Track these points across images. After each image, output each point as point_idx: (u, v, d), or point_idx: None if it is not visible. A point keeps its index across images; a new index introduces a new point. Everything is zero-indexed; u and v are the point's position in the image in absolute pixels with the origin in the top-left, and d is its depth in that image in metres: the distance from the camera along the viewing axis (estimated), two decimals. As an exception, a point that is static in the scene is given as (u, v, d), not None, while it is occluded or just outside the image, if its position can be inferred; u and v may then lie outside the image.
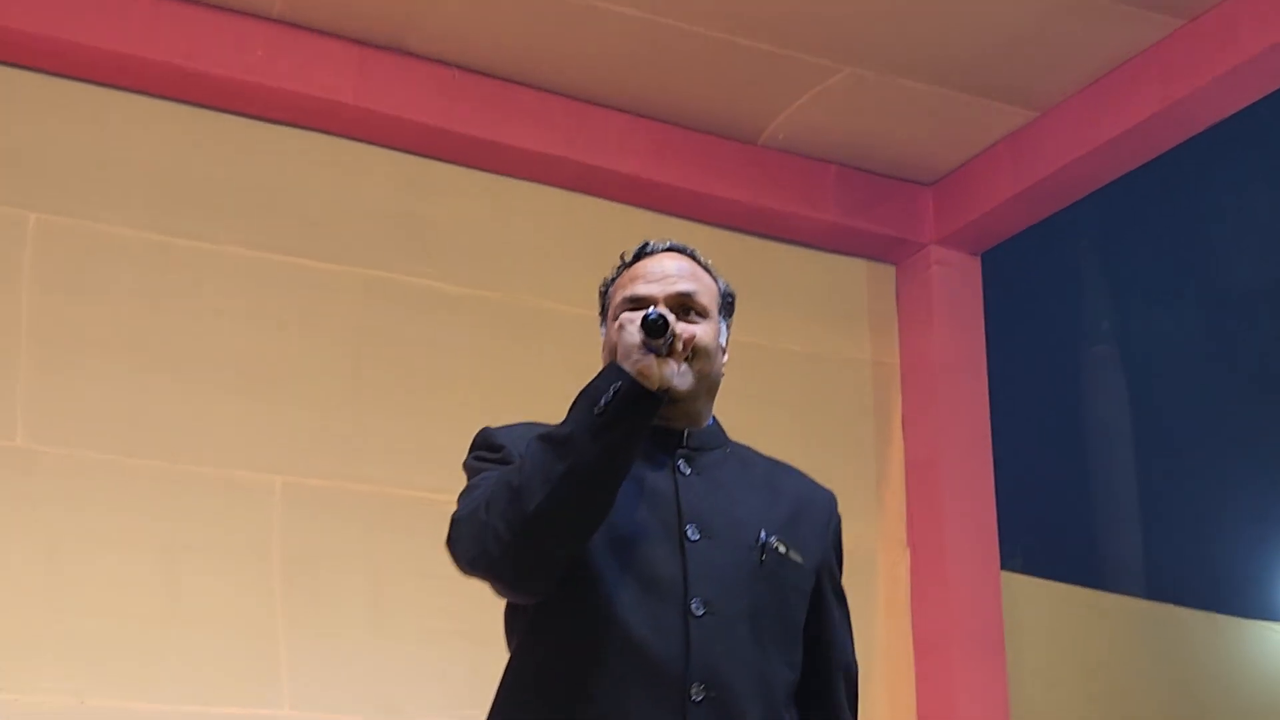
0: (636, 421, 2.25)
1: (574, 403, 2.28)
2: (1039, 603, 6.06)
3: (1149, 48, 5.03)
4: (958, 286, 5.80)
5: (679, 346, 2.33)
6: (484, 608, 4.84)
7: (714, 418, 2.58)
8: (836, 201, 5.70)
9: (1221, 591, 7.59)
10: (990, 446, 5.70)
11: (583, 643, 2.29)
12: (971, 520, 5.61)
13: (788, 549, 2.46)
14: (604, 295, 2.55)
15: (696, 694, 2.28)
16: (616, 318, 2.42)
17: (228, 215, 4.89)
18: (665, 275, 2.47)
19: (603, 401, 2.23)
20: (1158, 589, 7.64)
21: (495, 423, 5.01)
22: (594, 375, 2.34)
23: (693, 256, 2.57)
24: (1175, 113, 5.02)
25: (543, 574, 2.26)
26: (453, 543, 2.31)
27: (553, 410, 5.09)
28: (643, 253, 2.53)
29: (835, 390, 5.75)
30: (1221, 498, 8.84)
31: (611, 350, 2.39)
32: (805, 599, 2.51)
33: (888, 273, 5.93)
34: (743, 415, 5.43)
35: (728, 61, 5.14)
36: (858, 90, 5.28)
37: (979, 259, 5.88)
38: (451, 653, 4.82)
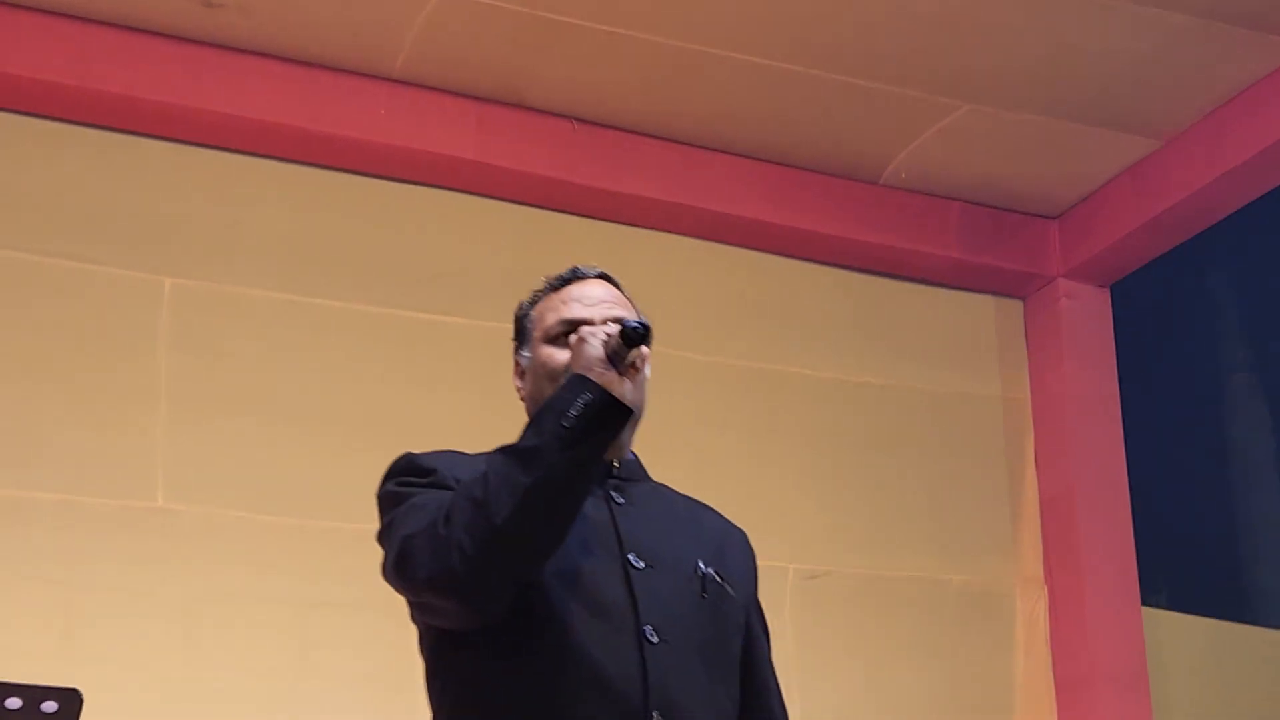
0: (605, 435, 2.18)
1: (537, 415, 2.21)
2: (1185, 639, 5.95)
3: (1273, 72, 4.95)
4: (1087, 319, 5.73)
5: (638, 364, 2.25)
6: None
7: (633, 452, 2.53)
8: (960, 238, 5.67)
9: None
10: (1126, 480, 5.61)
11: (542, 671, 2.21)
12: (1110, 556, 5.52)
13: (723, 581, 2.41)
14: (523, 318, 2.50)
15: None
16: (547, 340, 2.40)
17: (354, 273, 4.97)
18: (599, 300, 2.44)
19: (572, 413, 2.15)
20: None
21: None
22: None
23: (618, 286, 2.52)
24: (1303, 136, 4.94)
25: (504, 591, 2.16)
26: (403, 561, 2.16)
27: (677, 451, 5.12)
28: (573, 277, 2.49)
29: (966, 429, 5.70)
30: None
31: (546, 372, 2.38)
32: (740, 632, 2.45)
33: (1015, 308, 5.88)
34: (873, 457, 5.47)
35: (846, 102, 5.14)
36: (978, 126, 5.25)
37: (1108, 290, 5.81)
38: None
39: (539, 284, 2.55)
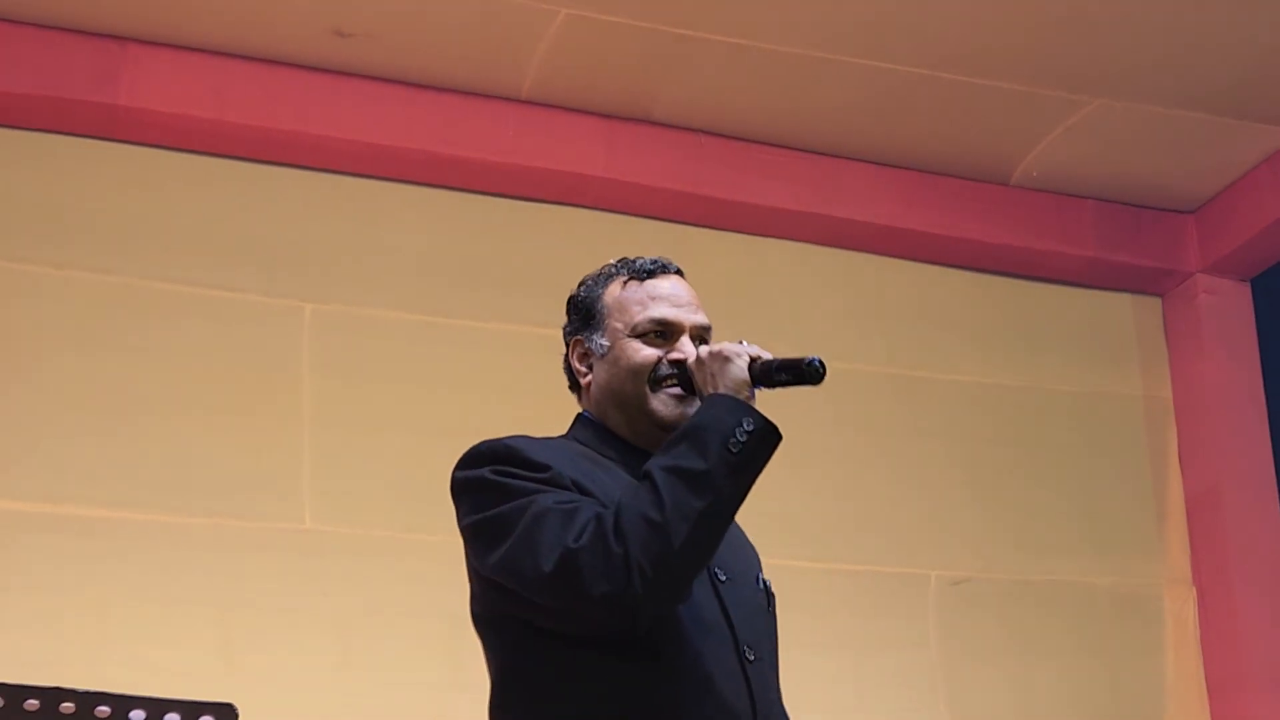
0: (763, 460, 2.18)
1: (694, 434, 2.17)
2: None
3: None
4: (1228, 314, 5.64)
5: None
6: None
7: None
8: (1095, 236, 5.61)
9: None
10: (1274, 476, 5.51)
11: (660, 680, 2.16)
12: (1259, 554, 5.42)
13: (770, 593, 2.43)
14: (592, 302, 2.45)
15: None
16: (635, 334, 2.37)
17: (489, 292, 5.03)
18: (688, 302, 2.43)
19: (738, 439, 2.15)
20: None
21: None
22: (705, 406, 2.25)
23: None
24: None
25: (667, 610, 2.14)
26: (571, 574, 2.08)
27: (813, 457, 5.09)
28: (656, 270, 2.46)
29: (1107, 429, 5.63)
30: None
31: (632, 366, 2.34)
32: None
33: (1154, 305, 5.81)
34: (1014, 459, 5.42)
35: (972, 104, 5.11)
36: (1108, 121, 5.20)
37: (1249, 285, 5.70)
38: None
39: (608, 264, 2.52)
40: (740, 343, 2.30)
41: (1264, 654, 5.32)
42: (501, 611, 2.23)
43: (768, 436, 2.18)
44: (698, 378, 2.29)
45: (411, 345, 4.91)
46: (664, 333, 2.38)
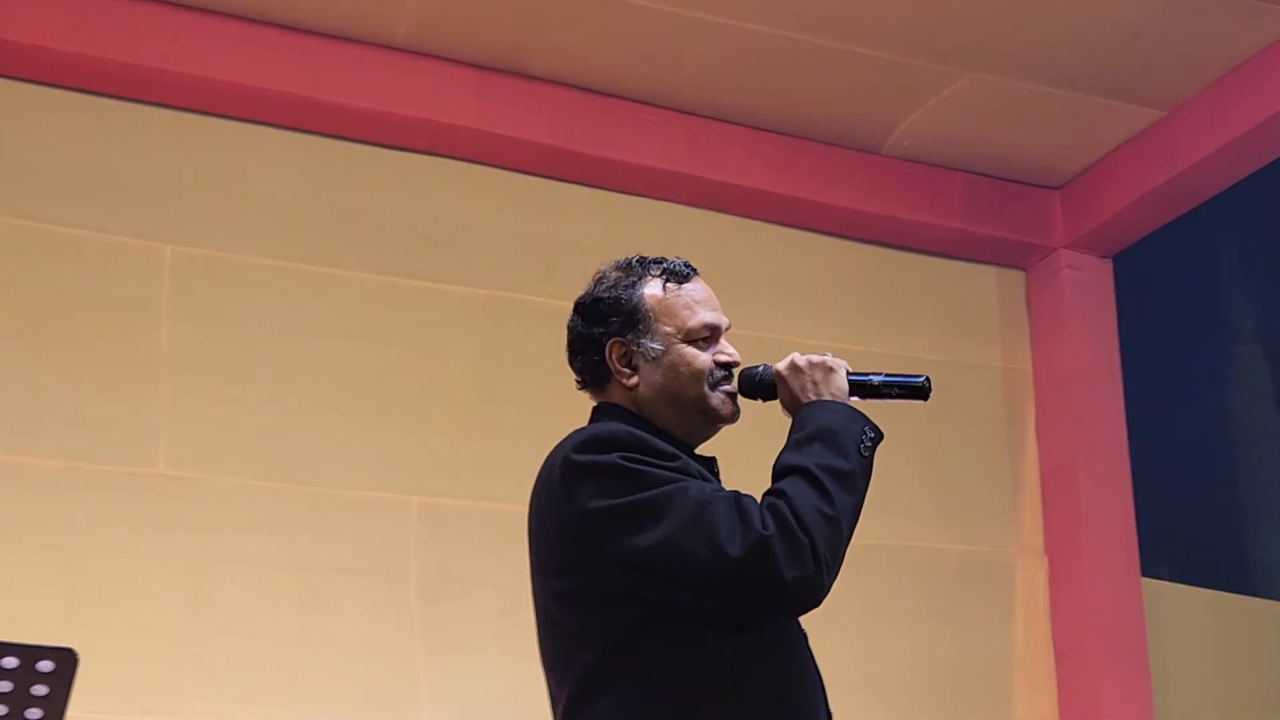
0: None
1: (827, 437, 2.35)
2: (1184, 609, 5.96)
3: (1275, 41, 4.94)
4: (1089, 290, 5.73)
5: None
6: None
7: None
8: (963, 208, 5.66)
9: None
10: (1127, 451, 5.62)
11: (781, 661, 2.35)
12: (1110, 527, 5.53)
13: None
14: (634, 304, 2.53)
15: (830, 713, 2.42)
16: (688, 340, 2.50)
17: (355, 241, 4.98)
18: (718, 304, 2.58)
19: (867, 443, 2.37)
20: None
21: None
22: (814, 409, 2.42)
23: None
24: (1305, 107, 4.93)
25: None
26: (767, 560, 2.21)
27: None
28: (690, 273, 2.59)
29: (967, 399, 5.70)
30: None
31: (691, 371, 2.48)
32: None
33: (1017, 279, 5.88)
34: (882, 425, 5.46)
35: (848, 71, 5.13)
36: (981, 95, 5.24)
37: (1110, 261, 5.80)
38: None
39: (632, 265, 2.60)
40: (825, 355, 2.50)
41: (1110, 624, 5.43)
42: (628, 593, 2.28)
43: (880, 441, 2.40)
44: (792, 383, 2.47)
45: (274, 292, 4.85)
46: (710, 336, 2.54)
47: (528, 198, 5.23)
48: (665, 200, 5.39)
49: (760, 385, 2.54)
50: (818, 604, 2.27)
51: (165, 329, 4.70)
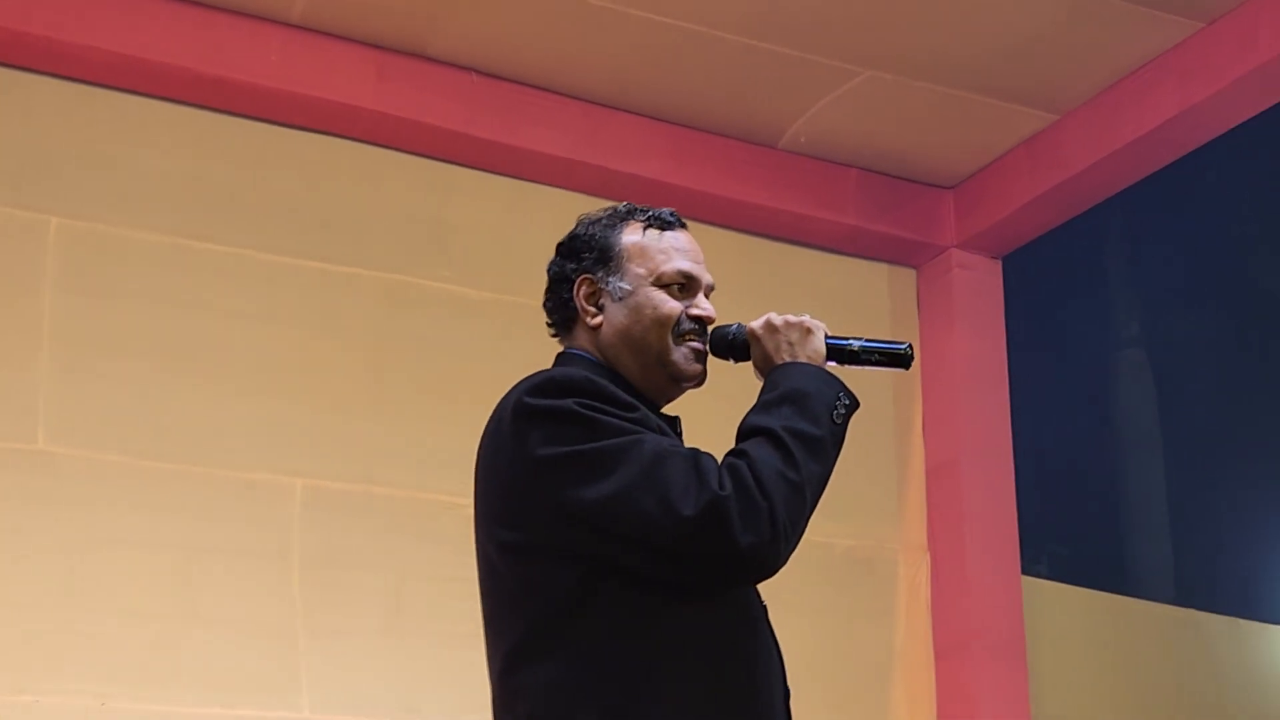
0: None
1: (798, 400, 2.25)
2: (1062, 608, 6.04)
3: (1168, 50, 5.02)
4: (979, 290, 5.79)
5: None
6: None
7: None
8: (857, 205, 5.70)
9: (1248, 597, 7.54)
10: (1011, 451, 5.68)
11: (741, 643, 2.25)
12: (992, 525, 5.60)
13: None
14: (609, 243, 2.43)
15: (789, 700, 2.33)
16: (660, 284, 2.39)
17: (247, 219, 4.91)
18: (702, 260, 2.46)
19: (840, 411, 2.26)
20: (1185, 595, 7.60)
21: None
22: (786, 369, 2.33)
23: None
24: (1194, 115, 5.01)
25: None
26: (723, 522, 2.09)
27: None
28: (674, 222, 2.48)
29: (856, 394, 5.72)
30: (1249, 503, 8.79)
31: (658, 317, 2.36)
32: None
33: (909, 276, 5.93)
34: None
35: (747, 65, 5.14)
36: (878, 93, 5.27)
37: (1000, 262, 5.86)
38: (472, 656, 4.78)
39: (618, 209, 2.50)
40: (804, 316, 2.39)
41: (990, 621, 5.49)
42: (568, 546, 2.18)
43: (855, 409, 2.29)
44: (766, 343, 2.36)
45: (161, 268, 4.77)
46: (685, 286, 2.41)
47: (425, 181, 5.19)
48: (563, 188, 5.37)
49: (733, 344, 2.41)
50: (772, 573, 2.16)
51: (48, 302, 4.61)
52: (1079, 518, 8.30)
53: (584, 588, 2.16)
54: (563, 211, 5.30)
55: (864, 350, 2.40)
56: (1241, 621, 6.57)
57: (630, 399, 2.26)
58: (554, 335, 2.48)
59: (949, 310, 5.75)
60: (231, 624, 4.59)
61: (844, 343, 2.40)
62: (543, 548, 2.19)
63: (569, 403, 2.20)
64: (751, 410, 2.28)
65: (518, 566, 2.21)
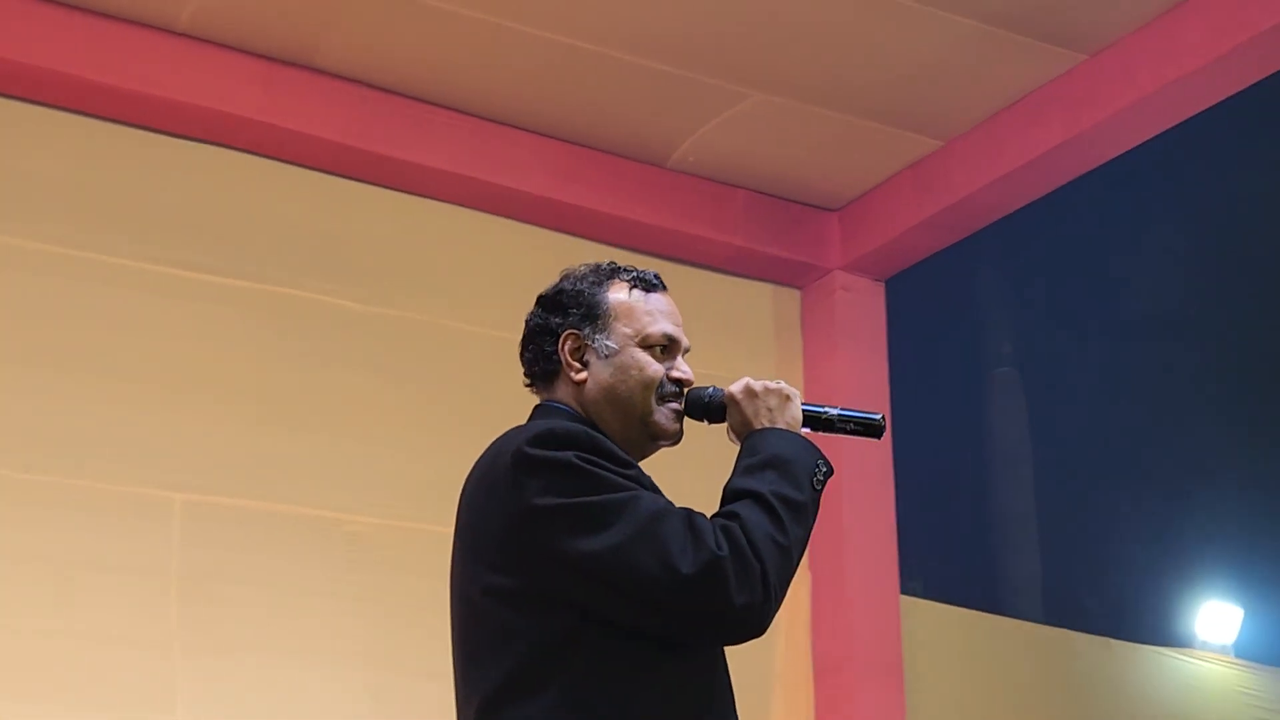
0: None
1: (780, 465, 2.32)
2: (938, 627, 6.11)
3: (1051, 81, 5.11)
4: (862, 312, 5.85)
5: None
6: (387, 630, 4.85)
7: None
8: (743, 226, 5.73)
9: (1118, 617, 7.70)
10: (891, 470, 5.74)
11: (715, 697, 2.32)
12: (872, 544, 5.65)
13: None
14: (595, 302, 2.47)
15: None
16: (644, 345, 2.45)
17: (131, 229, 4.84)
18: (680, 321, 2.53)
19: (819, 477, 2.34)
20: (1055, 614, 7.73)
21: (399, 439, 5.00)
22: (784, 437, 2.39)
23: None
24: (1076, 146, 5.10)
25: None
26: (718, 579, 2.18)
27: (456, 425, 5.10)
28: (658, 284, 2.53)
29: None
30: (1119, 524, 8.96)
31: (643, 378, 2.43)
32: None
33: (793, 297, 5.97)
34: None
35: (637, 84, 5.16)
36: (767, 116, 5.32)
37: (883, 285, 5.93)
38: (351, 673, 4.80)
39: (602, 267, 2.52)
40: (780, 382, 2.48)
41: (869, 639, 5.54)
42: (566, 596, 2.22)
43: (830, 475, 2.38)
44: (745, 408, 2.43)
45: (42, 276, 4.69)
46: (667, 349, 2.48)
47: (313, 194, 5.15)
48: (451, 203, 5.35)
49: (709, 407, 2.48)
50: (761, 633, 2.22)
51: (-77, 309, 4.52)
52: (953, 537, 8.42)
53: (570, 635, 2.21)
54: (451, 226, 5.37)
55: (839, 419, 2.49)
56: (1114, 641, 6.69)
57: (627, 456, 2.33)
58: (529, 385, 2.52)
59: (832, 331, 5.80)
60: (107, 639, 4.51)
61: (819, 410, 2.49)
62: (533, 594, 2.23)
63: (569, 455, 2.25)
64: (735, 473, 2.35)
65: (505, 611, 2.24)
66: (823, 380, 5.78)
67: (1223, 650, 7.30)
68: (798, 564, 2.29)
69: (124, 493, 4.64)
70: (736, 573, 2.17)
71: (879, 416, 2.51)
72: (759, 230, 5.75)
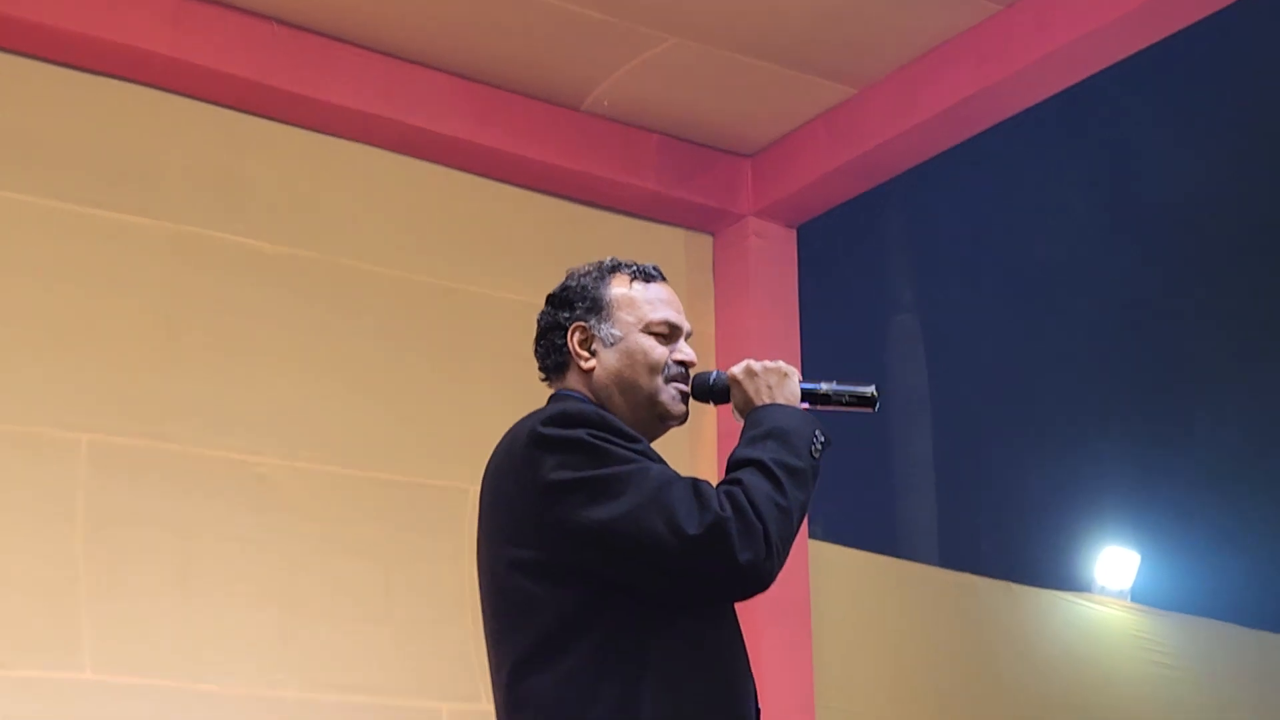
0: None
1: (780, 436, 2.45)
2: (841, 570, 6.17)
3: (966, 30, 5.14)
4: (774, 258, 5.87)
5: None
6: (293, 573, 4.83)
7: None
8: (657, 170, 5.72)
9: (1018, 562, 7.81)
10: (804, 417, 5.76)
11: (728, 656, 2.45)
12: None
13: None
14: (599, 293, 2.63)
15: (756, 704, 2.51)
16: (649, 331, 2.60)
17: (34, 165, 4.74)
18: (681, 308, 2.69)
19: (818, 445, 2.48)
20: (953, 559, 7.84)
21: (307, 381, 4.96)
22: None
23: None
24: (989, 96, 5.14)
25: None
26: (722, 540, 2.31)
27: (364, 368, 5.07)
28: (657, 275, 2.69)
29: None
30: (1017, 471, 9.09)
31: (648, 362, 2.57)
32: None
33: (705, 243, 5.98)
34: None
35: (553, 26, 5.12)
36: (682, 60, 5.30)
37: (795, 231, 5.94)
38: (259, 616, 4.77)
39: (604, 264, 2.68)
40: (778, 362, 2.63)
41: (777, 582, 5.56)
42: (574, 564, 2.37)
43: (828, 445, 2.51)
44: (747, 386, 2.59)
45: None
46: (668, 334, 2.62)
47: (221, 131, 5.07)
48: (362, 142, 5.30)
49: (713, 390, 2.63)
50: (765, 588, 2.35)
51: None
52: (852, 481, 8.49)
53: (589, 603, 2.38)
54: (361, 166, 5.31)
55: (834, 393, 2.62)
56: (1014, 585, 6.79)
57: (634, 432, 2.48)
58: (544, 379, 2.68)
59: (744, 277, 5.82)
60: (11, 582, 4.45)
61: (815, 386, 2.63)
62: (552, 566, 2.39)
63: (581, 432, 2.42)
64: (739, 445, 2.49)
65: (526, 582, 2.41)
66: (734, 325, 5.80)
67: (1120, 595, 7.44)
68: (798, 526, 2.43)
69: (28, 433, 4.57)
70: (740, 532, 2.31)
71: (872, 389, 2.63)
72: (672, 175, 5.74)
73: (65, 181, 4.78)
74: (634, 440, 2.45)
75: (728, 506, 2.33)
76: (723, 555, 2.30)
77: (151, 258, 4.87)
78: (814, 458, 2.47)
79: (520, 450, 2.43)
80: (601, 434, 2.42)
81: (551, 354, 2.65)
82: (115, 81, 4.91)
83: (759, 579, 2.33)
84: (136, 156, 4.92)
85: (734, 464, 2.46)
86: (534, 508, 2.39)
